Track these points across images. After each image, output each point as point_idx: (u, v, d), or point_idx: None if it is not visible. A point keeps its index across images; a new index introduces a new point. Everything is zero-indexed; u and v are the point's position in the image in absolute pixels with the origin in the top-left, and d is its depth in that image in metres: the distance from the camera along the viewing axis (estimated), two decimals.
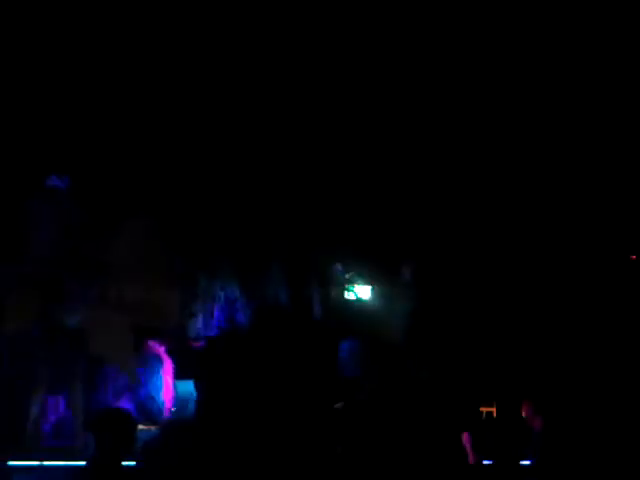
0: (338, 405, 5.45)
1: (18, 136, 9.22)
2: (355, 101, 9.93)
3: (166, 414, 8.62)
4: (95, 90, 9.51)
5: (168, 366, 8.96)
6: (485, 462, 6.67)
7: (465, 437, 6.78)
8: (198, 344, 9.25)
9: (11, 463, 6.14)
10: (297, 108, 9.90)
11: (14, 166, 9.00)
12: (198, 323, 9.48)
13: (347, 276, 9.92)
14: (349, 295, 9.88)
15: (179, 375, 8.85)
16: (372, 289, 9.84)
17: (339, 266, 9.97)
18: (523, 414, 6.43)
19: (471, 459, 6.64)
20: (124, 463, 4.91)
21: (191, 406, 7.71)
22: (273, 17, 9.47)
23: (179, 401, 8.65)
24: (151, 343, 9.02)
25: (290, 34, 9.54)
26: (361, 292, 9.84)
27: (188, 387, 8.09)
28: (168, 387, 8.79)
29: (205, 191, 9.76)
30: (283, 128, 9.96)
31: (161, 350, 9.02)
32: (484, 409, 8.30)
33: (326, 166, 9.93)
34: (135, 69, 9.55)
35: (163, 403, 8.71)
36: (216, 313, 9.56)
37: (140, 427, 5.52)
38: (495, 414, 8.23)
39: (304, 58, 9.74)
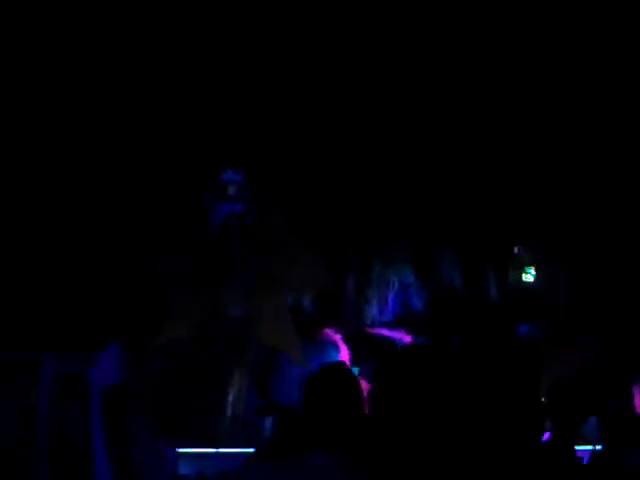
0: None
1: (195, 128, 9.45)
2: None
3: None
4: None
5: (344, 353, 8.95)
6: None
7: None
8: (374, 330, 9.22)
9: (180, 450, 6.29)
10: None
11: (188, 159, 9.22)
12: (373, 309, 9.45)
13: (525, 258, 9.62)
14: (527, 277, 9.57)
15: (355, 362, 8.82)
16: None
17: (517, 248, 9.67)
18: None
19: None
20: None
21: None
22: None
23: None
24: (327, 330, 9.04)
25: None
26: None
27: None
28: None
29: (380, 176, 9.70)
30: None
31: (337, 337, 9.02)
32: None
33: (497, 151, 9.68)
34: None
35: None
36: (390, 299, 9.48)
37: None
38: None
39: None
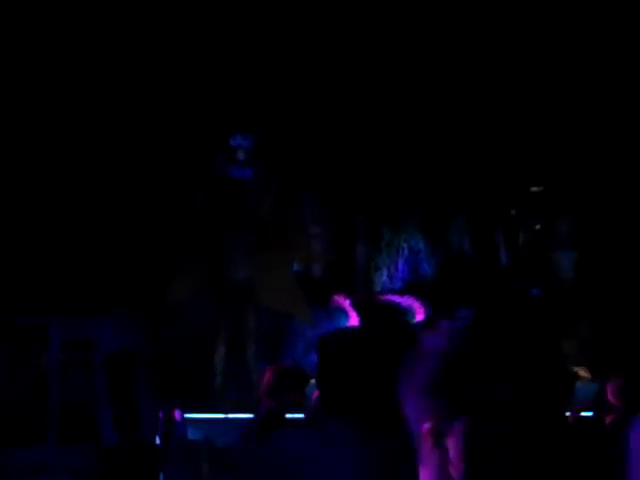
0: None
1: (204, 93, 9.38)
2: None
3: None
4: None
5: (354, 320, 8.94)
6: None
7: None
8: (384, 296, 9.20)
9: (188, 415, 6.30)
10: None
11: (197, 125, 9.17)
12: (383, 276, 9.42)
13: (537, 227, 9.56)
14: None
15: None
16: None
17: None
18: None
19: None
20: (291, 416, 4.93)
21: None
22: None
23: None
24: (336, 297, 9.02)
25: None
26: None
27: None
28: None
29: (389, 143, 9.64)
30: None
31: (346, 304, 9.00)
32: None
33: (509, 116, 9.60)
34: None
35: None
36: (400, 265, 9.45)
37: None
38: None
39: None
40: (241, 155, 9.07)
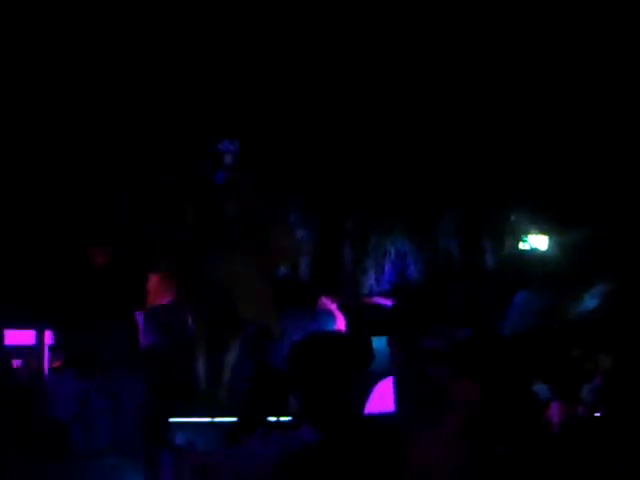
0: None
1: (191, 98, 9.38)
2: None
3: None
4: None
5: (341, 322, 8.98)
6: None
7: None
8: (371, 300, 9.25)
9: (173, 420, 6.36)
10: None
11: (184, 130, 9.17)
12: (370, 279, 9.47)
13: (522, 226, 9.60)
14: (524, 246, 9.55)
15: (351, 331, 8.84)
16: (549, 239, 9.46)
17: (513, 216, 9.67)
18: None
19: None
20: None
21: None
22: None
23: None
24: (323, 299, 9.07)
25: None
26: (537, 242, 9.47)
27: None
28: None
29: (377, 145, 9.67)
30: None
31: (333, 306, 9.05)
32: None
33: (498, 116, 9.61)
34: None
35: None
36: (387, 268, 9.50)
37: None
38: None
39: None
40: (228, 159, 9.07)
